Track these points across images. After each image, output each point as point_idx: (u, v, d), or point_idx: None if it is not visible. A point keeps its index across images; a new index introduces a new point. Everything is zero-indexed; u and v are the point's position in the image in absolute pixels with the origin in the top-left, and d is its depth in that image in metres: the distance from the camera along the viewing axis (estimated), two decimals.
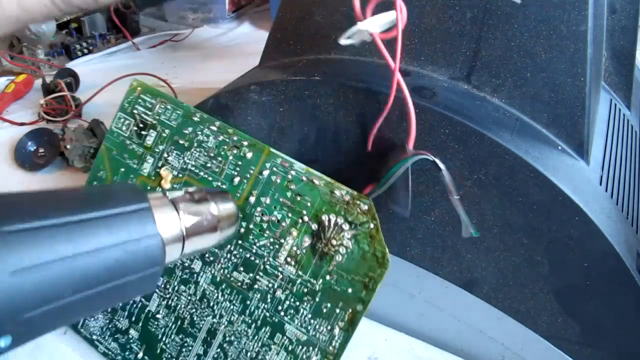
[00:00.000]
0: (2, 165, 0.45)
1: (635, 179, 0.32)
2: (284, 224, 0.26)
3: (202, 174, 0.28)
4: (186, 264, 0.28)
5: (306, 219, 0.25)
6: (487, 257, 0.26)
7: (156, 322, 0.29)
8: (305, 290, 0.25)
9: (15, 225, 0.14)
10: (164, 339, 0.28)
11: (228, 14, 0.78)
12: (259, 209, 0.26)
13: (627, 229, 0.27)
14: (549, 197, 0.24)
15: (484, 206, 0.25)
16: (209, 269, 0.27)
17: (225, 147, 0.27)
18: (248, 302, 0.26)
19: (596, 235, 0.24)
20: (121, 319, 0.29)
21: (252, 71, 0.33)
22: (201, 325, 0.27)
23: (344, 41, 0.22)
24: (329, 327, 0.25)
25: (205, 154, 0.28)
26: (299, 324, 0.25)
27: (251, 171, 0.27)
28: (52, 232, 0.14)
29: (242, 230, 0.27)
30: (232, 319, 0.27)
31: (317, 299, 0.25)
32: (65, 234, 0.14)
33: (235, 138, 0.27)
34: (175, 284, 0.28)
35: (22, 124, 0.50)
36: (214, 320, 0.27)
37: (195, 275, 0.28)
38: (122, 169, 0.30)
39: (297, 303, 0.25)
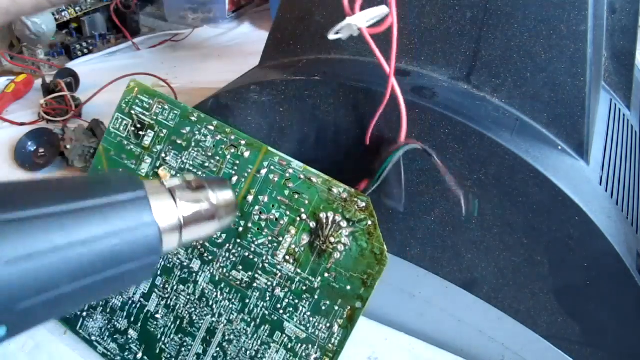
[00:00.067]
0: (2, 165, 0.45)
1: (635, 179, 0.32)
2: (282, 222, 0.26)
3: (200, 173, 0.28)
4: (185, 263, 0.28)
5: (304, 216, 0.25)
6: (487, 257, 0.26)
7: (155, 322, 0.28)
8: (304, 288, 0.25)
9: (9, 215, 0.13)
10: (163, 338, 0.28)
11: (228, 14, 0.78)
12: (257, 207, 0.26)
13: (627, 229, 0.26)
14: (549, 197, 0.24)
15: (484, 206, 0.25)
16: (208, 268, 0.27)
17: (223, 146, 0.27)
18: (247, 301, 0.26)
19: (596, 235, 0.24)
20: (120, 319, 0.29)
21: (252, 71, 0.33)
22: (200, 325, 0.27)
23: (332, 36, 0.22)
24: (328, 325, 0.25)
25: (203, 153, 0.28)
26: (298, 321, 0.25)
27: (249, 170, 0.27)
28: (47, 221, 0.14)
29: (241, 229, 0.27)
30: (231, 317, 0.27)
31: (316, 297, 0.25)
32: (60, 223, 0.14)
33: (232, 137, 0.27)
34: (174, 283, 0.28)
35: (22, 124, 0.50)
36: (213, 319, 0.27)
37: (194, 274, 0.28)
38: (120, 170, 0.30)
39: (296, 301, 0.25)
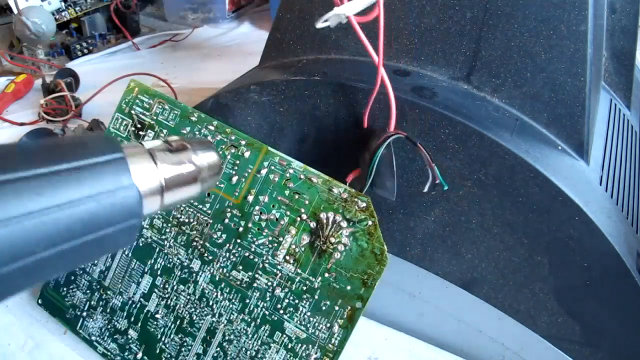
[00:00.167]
0: None
1: (635, 179, 0.32)
2: (282, 222, 0.26)
3: None
4: (185, 264, 0.28)
5: (304, 217, 0.25)
6: (487, 257, 0.26)
7: (155, 322, 0.28)
8: (304, 288, 0.25)
9: None
10: (163, 338, 0.28)
11: (228, 14, 0.78)
12: (257, 207, 0.26)
13: (627, 229, 0.26)
14: (549, 197, 0.24)
15: (484, 206, 0.25)
16: (208, 268, 0.27)
17: (223, 146, 0.27)
18: (247, 301, 0.26)
19: (596, 235, 0.24)
20: (120, 319, 0.29)
21: (252, 71, 0.33)
22: (200, 325, 0.27)
23: (320, 24, 0.22)
24: (328, 325, 0.25)
25: None
26: (298, 321, 0.25)
27: (249, 170, 0.27)
28: (20, 186, 0.13)
29: (241, 229, 0.27)
30: (231, 317, 0.27)
31: (316, 297, 0.25)
32: (34, 187, 0.14)
33: (233, 137, 0.27)
34: (174, 283, 0.28)
35: (22, 124, 0.50)
36: (214, 319, 0.27)
37: (194, 274, 0.28)
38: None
39: (296, 301, 0.25)
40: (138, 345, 0.29)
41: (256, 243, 0.26)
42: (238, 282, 0.27)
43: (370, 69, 0.29)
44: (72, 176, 0.15)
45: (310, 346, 0.25)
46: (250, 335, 0.26)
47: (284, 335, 0.25)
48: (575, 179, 0.25)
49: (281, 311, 0.26)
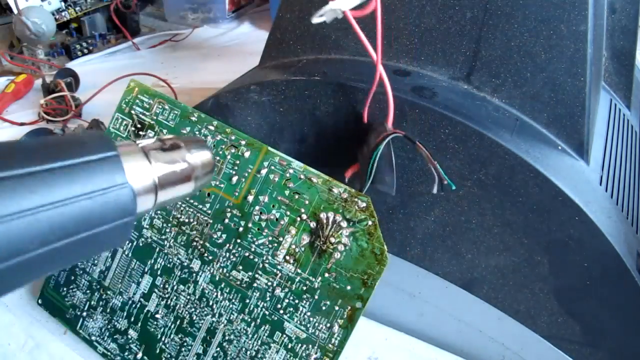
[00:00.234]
0: None
1: (635, 179, 0.32)
2: (282, 222, 0.26)
3: None
4: (185, 264, 0.28)
5: (304, 217, 0.25)
6: (487, 257, 0.26)
7: (155, 322, 0.28)
8: (304, 288, 0.25)
9: None
10: (163, 338, 0.28)
11: (228, 14, 0.78)
12: (257, 207, 0.26)
13: (627, 229, 0.26)
14: (549, 197, 0.24)
15: (484, 206, 0.25)
16: (208, 268, 0.27)
17: (223, 146, 0.27)
18: (247, 301, 0.26)
19: (596, 235, 0.24)
20: (120, 319, 0.29)
21: (252, 71, 0.33)
22: (200, 325, 0.27)
23: (315, 19, 0.22)
24: (328, 325, 0.25)
25: None
26: (298, 321, 0.25)
27: (249, 170, 0.27)
28: (14, 184, 0.13)
29: (241, 229, 0.27)
30: (231, 317, 0.27)
31: (316, 297, 0.25)
32: (28, 185, 0.14)
33: (233, 137, 0.27)
34: (174, 283, 0.28)
35: (22, 124, 0.50)
36: (214, 319, 0.27)
37: (194, 274, 0.28)
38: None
39: (296, 301, 0.25)
40: (138, 345, 0.29)
41: (256, 243, 0.26)
42: (238, 282, 0.27)
43: (370, 68, 0.29)
44: (66, 174, 0.15)
45: (310, 346, 0.25)
46: (250, 335, 0.26)
47: (284, 335, 0.25)
48: (575, 179, 0.25)
49: (281, 311, 0.26)
